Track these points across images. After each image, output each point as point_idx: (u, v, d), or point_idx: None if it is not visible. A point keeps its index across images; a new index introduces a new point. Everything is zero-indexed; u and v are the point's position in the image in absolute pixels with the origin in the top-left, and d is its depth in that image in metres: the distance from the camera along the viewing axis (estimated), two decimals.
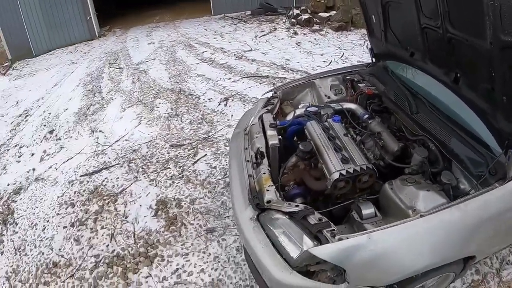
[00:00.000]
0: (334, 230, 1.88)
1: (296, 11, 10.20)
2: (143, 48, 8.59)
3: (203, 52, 7.92)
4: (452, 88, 2.52)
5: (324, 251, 1.76)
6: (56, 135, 5.03)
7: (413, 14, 2.61)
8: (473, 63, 2.21)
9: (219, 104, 5.30)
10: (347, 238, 1.79)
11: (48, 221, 3.44)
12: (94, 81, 6.77)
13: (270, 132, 2.60)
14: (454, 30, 2.25)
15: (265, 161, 2.40)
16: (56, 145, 4.78)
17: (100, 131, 4.90)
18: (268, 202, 2.10)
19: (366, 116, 2.83)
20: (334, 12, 10.03)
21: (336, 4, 10.41)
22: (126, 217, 3.32)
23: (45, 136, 5.06)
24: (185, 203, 3.39)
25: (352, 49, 7.89)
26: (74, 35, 9.98)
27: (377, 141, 2.59)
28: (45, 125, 5.36)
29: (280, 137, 2.59)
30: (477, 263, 2.73)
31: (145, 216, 3.28)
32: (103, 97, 5.96)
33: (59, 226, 3.35)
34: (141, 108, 5.34)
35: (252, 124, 2.82)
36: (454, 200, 1.97)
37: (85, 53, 8.92)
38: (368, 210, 2.06)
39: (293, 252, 1.87)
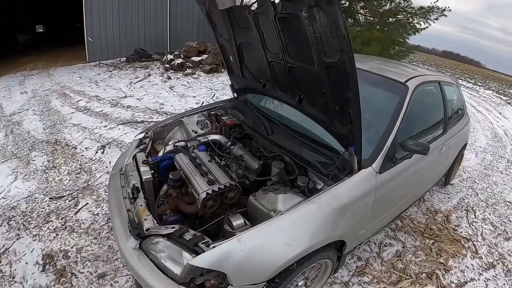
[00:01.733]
0: (208, 241, 2.04)
1: (169, 56, 10.53)
2: (16, 98, 8.01)
3: (78, 101, 7.72)
4: (298, 108, 2.94)
5: (202, 260, 1.90)
6: None
7: (261, 51, 3.00)
8: (309, 85, 2.62)
9: (96, 152, 5.27)
10: (220, 245, 1.96)
11: None
12: None
13: (143, 169, 2.73)
14: (292, 60, 2.67)
15: (141, 194, 2.51)
16: None
17: None
18: (147, 229, 2.20)
19: (229, 143, 3.15)
20: (206, 56, 10.58)
21: (208, 48, 10.99)
22: (14, 278, 3.09)
23: None
24: (72, 253, 3.29)
25: (223, 89, 8.46)
26: None
27: (240, 163, 2.90)
28: None
29: (152, 171, 2.74)
30: (353, 251, 3.11)
31: (33, 273, 3.10)
32: None
33: None
34: (16, 162, 4.99)
35: (127, 164, 2.93)
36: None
37: None
38: (237, 221, 2.26)
39: (176, 269, 1.99)
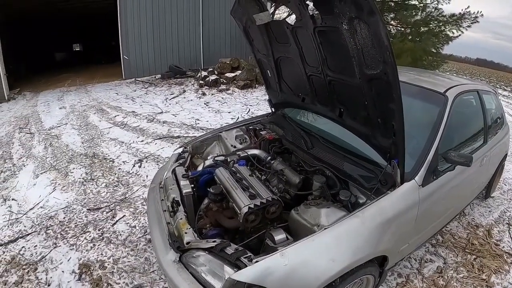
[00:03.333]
0: (250, 255, 2.01)
1: (204, 73, 10.72)
2: (55, 113, 8.32)
3: (115, 116, 7.94)
4: (338, 121, 2.91)
5: (244, 275, 1.86)
6: None
7: (300, 65, 2.99)
8: (350, 97, 2.60)
9: (134, 166, 5.36)
10: (263, 260, 1.94)
11: None
12: (4, 146, 6.36)
13: (183, 182, 2.75)
14: (332, 73, 2.64)
15: (181, 208, 2.53)
16: None
17: (12, 199, 4.55)
18: (188, 243, 2.20)
19: (269, 158, 3.14)
20: (239, 71, 10.71)
21: (241, 64, 11.13)
22: (49, 285, 3.14)
23: None
24: (108, 264, 3.33)
25: (258, 104, 8.51)
26: None
27: (280, 177, 2.88)
28: None
29: (192, 185, 2.75)
30: (394, 267, 3.00)
31: (68, 282, 3.15)
32: (14, 164, 5.61)
33: None
34: (55, 174, 5.16)
35: (166, 178, 2.96)
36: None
37: None
38: (279, 235, 2.24)
39: (217, 283, 1.96)
